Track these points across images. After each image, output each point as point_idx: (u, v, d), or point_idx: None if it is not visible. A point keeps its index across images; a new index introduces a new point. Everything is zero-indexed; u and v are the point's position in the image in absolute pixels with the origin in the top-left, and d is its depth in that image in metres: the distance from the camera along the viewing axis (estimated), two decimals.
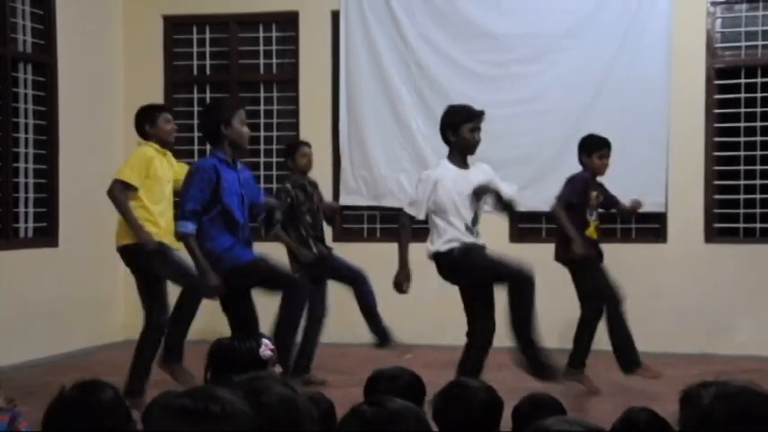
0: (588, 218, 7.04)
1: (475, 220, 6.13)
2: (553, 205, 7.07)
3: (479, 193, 6.12)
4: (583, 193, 7.01)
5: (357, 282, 7.21)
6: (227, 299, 5.74)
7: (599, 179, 7.16)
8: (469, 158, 6.24)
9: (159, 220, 6.41)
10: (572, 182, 7.05)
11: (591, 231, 7.04)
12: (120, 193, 6.36)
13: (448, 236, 6.07)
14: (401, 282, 6.11)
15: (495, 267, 6.08)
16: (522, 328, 5.99)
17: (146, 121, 6.59)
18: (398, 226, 6.22)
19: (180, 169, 6.58)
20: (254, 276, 5.74)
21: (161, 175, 6.48)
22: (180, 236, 5.65)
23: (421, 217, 6.09)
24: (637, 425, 2.90)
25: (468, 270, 6.05)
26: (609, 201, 7.26)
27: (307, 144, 7.49)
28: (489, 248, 6.35)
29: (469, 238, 6.07)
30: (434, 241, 6.12)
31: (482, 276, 6.10)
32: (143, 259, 6.35)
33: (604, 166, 7.05)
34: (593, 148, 7.03)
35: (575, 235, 6.90)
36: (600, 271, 7.03)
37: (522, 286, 5.94)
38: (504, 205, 6.32)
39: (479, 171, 6.26)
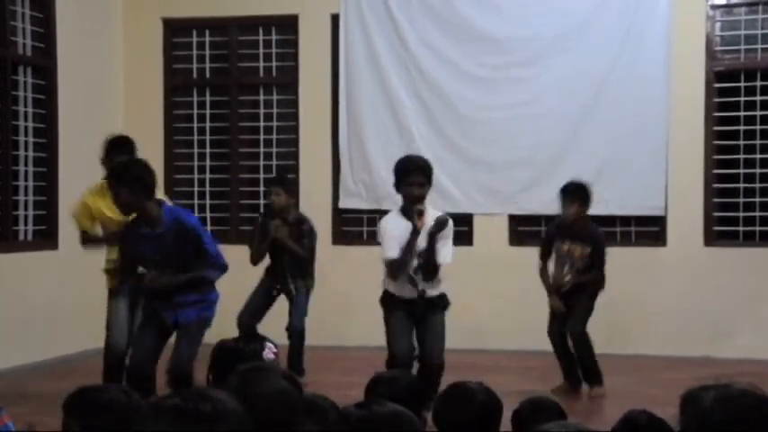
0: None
1: (417, 271, 5.89)
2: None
3: (425, 257, 5.86)
4: (547, 242, 7.10)
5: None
6: None
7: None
8: (430, 207, 6.01)
9: None
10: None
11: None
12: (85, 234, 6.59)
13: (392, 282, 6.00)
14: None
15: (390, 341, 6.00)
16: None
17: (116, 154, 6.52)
18: (390, 270, 6.00)
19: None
20: None
21: (99, 205, 6.44)
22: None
23: (395, 255, 5.86)
24: (636, 426, 2.90)
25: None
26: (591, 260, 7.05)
27: (278, 182, 7.50)
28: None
29: (408, 290, 5.92)
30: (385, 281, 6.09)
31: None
32: None
33: (565, 213, 6.99)
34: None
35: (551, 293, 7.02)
36: None
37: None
38: (420, 267, 5.95)
39: (430, 223, 5.93)
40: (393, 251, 5.85)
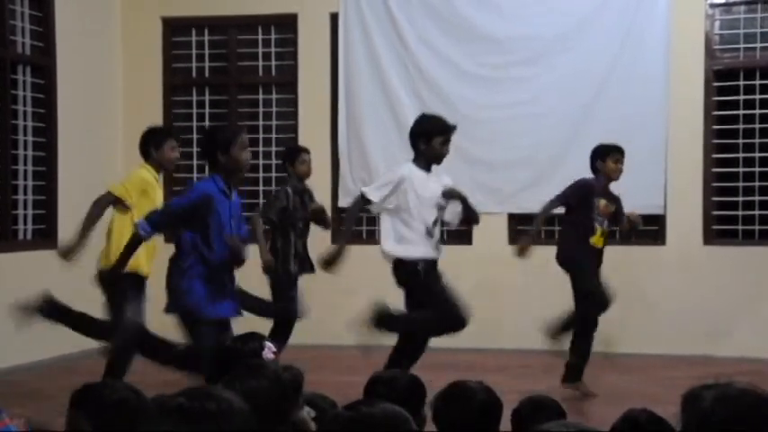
0: (595, 225, 6.97)
1: (435, 223, 6.19)
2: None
3: (447, 196, 6.19)
4: (583, 198, 6.95)
5: (287, 319, 7.13)
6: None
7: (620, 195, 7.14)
8: (434, 168, 6.32)
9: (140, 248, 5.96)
10: (574, 184, 7.03)
11: (596, 239, 6.95)
12: (98, 206, 6.31)
13: (406, 239, 6.12)
14: (333, 260, 6.19)
15: (441, 300, 6.13)
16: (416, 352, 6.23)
17: (151, 143, 6.43)
18: (350, 205, 6.44)
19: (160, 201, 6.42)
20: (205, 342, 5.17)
21: (156, 200, 6.35)
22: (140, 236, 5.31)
23: (376, 200, 6.14)
24: (636, 425, 2.90)
25: (421, 293, 6.13)
26: (617, 216, 7.17)
27: (306, 151, 7.45)
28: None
29: (427, 244, 6.13)
30: (388, 241, 6.19)
31: (430, 303, 6.14)
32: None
33: (618, 171, 7.00)
34: (607, 153, 6.99)
35: (532, 234, 7.03)
36: (594, 276, 6.96)
37: (449, 325, 6.13)
38: (468, 212, 6.33)
39: (442, 179, 6.33)
40: (376, 195, 6.14)
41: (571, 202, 6.98)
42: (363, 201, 6.26)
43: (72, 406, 2.64)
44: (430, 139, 6.14)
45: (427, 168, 6.21)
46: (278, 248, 7.13)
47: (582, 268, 6.91)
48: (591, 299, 6.87)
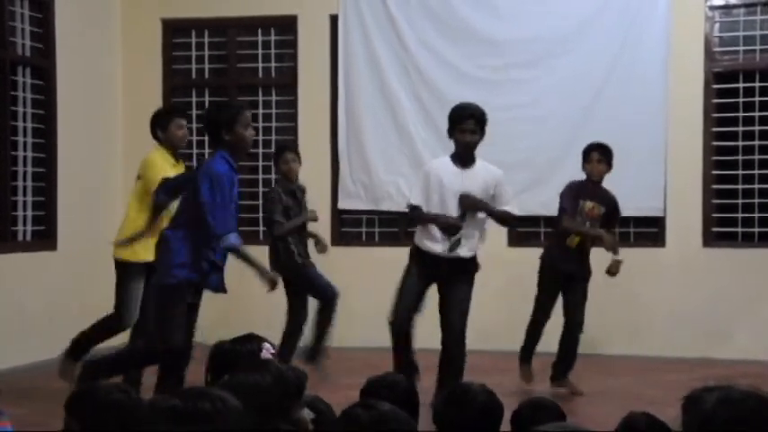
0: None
1: (462, 218, 6.10)
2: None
3: (462, 204, 6.10)
4: (572, 199, 6.97)
5: (327, 301, 7.14)
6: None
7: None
8: (482, 160, 6.24)
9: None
10: (565, 187, 7.05)
11: (571, 240, 6.92)
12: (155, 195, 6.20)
13: (427, 232, 6.10)
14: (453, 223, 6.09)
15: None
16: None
17: (157, 126, 6.55)
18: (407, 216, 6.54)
19: None
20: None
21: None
22: (231, 249, 5.33)
23: (417, 202, 6.14)
24: (636, 430, 2.90)
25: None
26: (609, 220, 7.08)
27: (291, 149, 7.39)
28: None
29: (438, 246, 6.07)
30: (415, 234, 6.26)
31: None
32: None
33: (598, 170, 6.96)
34: (588, 153, 7.01)
35: (588, 231, 6.89)
36: (551, 283, 6.98)
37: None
38: (494, 217, 6.30)
39: (482, 174, 6.20)
40: (416, 198, 6.15)
41: (565, 205, 6.97)
42: (411, 209, 6.23)
43: (65, 410, 2.65)
44: (452, 130, 6.20)
45: (461, 162, 6.16)
46: (278, 249, 7.10)
47: (541, 275, 7.00)
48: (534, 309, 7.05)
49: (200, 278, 5.37)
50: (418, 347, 7.81)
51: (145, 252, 6.22)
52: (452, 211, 6.07)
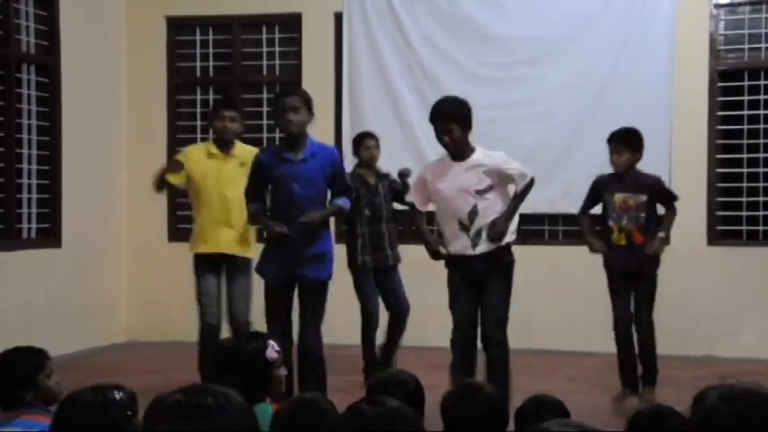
0: (609, 222, 6.58)
1: (473, 214, 5.67)
2: None
3: (491, 239, 5.66)
4: (590, 195, 6.72)
5: (395, 315, 7.16)
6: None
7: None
8: (483, 147, 5.89)
9: (203, 229, 6.52)
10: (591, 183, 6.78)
11: (616, 237, 6.55)
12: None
13: (444, 236, 5.80)
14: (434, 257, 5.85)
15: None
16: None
17: (209, 119, 6.87)
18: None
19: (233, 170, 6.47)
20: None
21: (198, 176, 6.48)
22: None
23: (420, 208, 5.90)
24: (662, 418, 2.80)
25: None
26: (650, 205, 6.61)
27: (370, 136, 7.34)
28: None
29: (460, 243, 5.68)
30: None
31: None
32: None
33: (615, 162, 6.57)
34: (608, 144, 6.64)
35: (585, 234, 6.69)
36: (618, 280, 6.58)
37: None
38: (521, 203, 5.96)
39: (482, 161, 5.77)
40: (410, 195, 6.14)
41: (587, 203, 6.74)
42: (411, 207, 6.11)
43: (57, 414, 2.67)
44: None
45: (458, 155, 5.72)
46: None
47: (609, 273, 6.66)
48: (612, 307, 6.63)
49: None
50: (422, 346, 7.83)
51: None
52: (461, 204, 5.68)
